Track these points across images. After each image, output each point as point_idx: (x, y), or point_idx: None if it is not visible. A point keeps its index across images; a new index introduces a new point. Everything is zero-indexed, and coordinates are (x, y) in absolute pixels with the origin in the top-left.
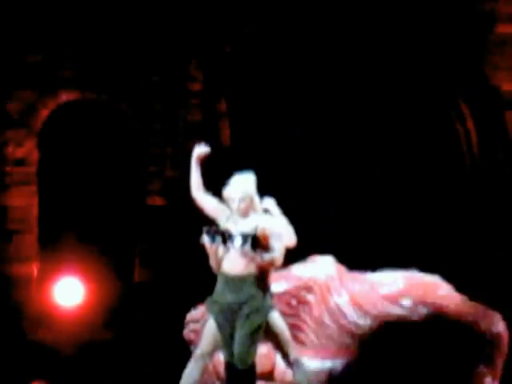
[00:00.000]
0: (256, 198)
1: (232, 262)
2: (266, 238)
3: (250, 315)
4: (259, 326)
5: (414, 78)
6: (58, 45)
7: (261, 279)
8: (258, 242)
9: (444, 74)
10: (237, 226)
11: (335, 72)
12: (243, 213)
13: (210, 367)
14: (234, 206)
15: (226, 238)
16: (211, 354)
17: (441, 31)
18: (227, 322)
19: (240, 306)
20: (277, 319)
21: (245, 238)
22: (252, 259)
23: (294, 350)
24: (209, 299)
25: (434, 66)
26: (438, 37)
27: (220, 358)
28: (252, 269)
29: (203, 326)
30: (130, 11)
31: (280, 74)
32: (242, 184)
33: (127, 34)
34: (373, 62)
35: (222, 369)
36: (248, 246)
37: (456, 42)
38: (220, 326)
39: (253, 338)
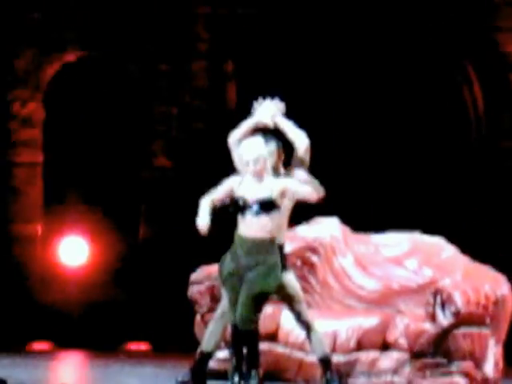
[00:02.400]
0: (269, 161)
1: (247, 225)
2: None
3: (256, 279)
4: (265, 292)
5: (420, 42)
6: (64, 3)
7: (274, 242)
8: (274, 206)
9: (450, 37)
10: (252, 191)
11: (342, 33)
12: (258, 175)
13: None
14: (249, 168)
15: (242, 205)
16: (231, 312)
17: None
18: (236, 284)
19: (250, 268)
20: (291, 280)
21: (261, 204)
22: (268, 223)
23: (307, 312)
24: (222, 260)
25: (440, 30)
26: (443, 1)
27: None
28: (267, 233)
29: (208, 286)
30: None
31: (289, 36)
32: (255, 146)
33: None
34: (380, 26)
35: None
36: (264, 214)
37: (463, 4)
38: (227, 288)
39: (256, 302)
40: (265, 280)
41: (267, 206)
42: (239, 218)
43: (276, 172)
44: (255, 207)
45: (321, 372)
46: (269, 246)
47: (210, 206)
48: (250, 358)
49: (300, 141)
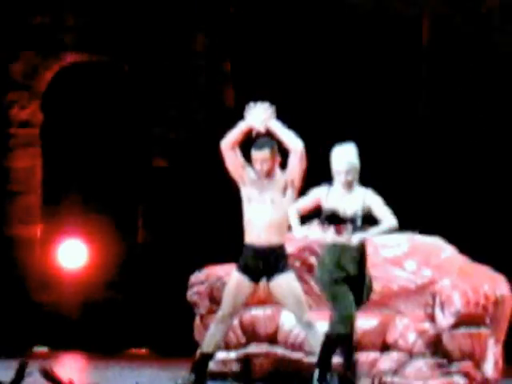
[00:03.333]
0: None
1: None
2: None
3: (365, 287)
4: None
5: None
6: (62, 6)
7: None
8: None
9: None
10: (343, 203)
11: (337, 34)
12: (349, 186)
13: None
14: (340, 178)
15: (337, 217)
16: (232, 315)
17: None
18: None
19: (357, 276)
20: (292, 280)
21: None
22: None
23: (307, 313)
24: (322, 267)
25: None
26: None
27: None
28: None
29: (208, 288)
30: None
31: (285, 36)
32: (347, 155)
33: None
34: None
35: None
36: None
37: None
38: (332, 294)
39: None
40: (370, 289)
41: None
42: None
43: (271, 175)
44: (356, 221)
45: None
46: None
47: (297, 216)
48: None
49: (294, 144)
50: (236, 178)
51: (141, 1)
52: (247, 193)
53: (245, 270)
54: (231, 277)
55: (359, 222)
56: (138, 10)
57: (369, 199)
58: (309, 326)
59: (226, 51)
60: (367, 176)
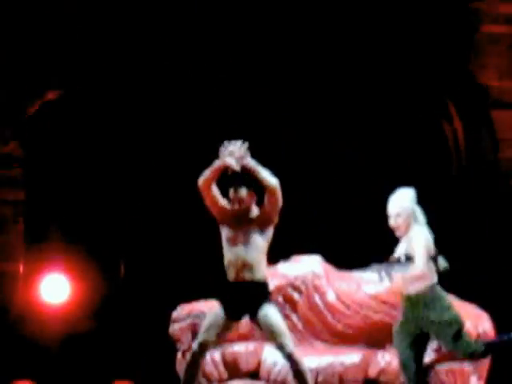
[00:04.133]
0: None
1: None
2: None
3: None
4: None
5: (400, 77)
6: (43, 42)
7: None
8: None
9: (430, 73)
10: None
11: (325, 69)
12: (398, 230)
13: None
14: (390, 222)
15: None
16: (204, 347)
17: (427, 30)
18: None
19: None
20: (275, 312)
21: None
22: None
23: (290, 343)
24: None
25: (421, 65)
26: (424, 36)
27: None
28: None
29: (190, 323)
30: None
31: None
32: (396, 199)
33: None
34: (358, 61)
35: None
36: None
37: (442, 40)
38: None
39: None
40: None
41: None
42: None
43: (248, 214)
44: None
45: None
46: None
47: None
48: None
49: (269, 182)
50: (214, 215)
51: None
52: (224, 233)
53: (225, 306)
54: (213, 309)
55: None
56: (118, 47)
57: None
58: (292, 358)
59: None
60: (350, 212)
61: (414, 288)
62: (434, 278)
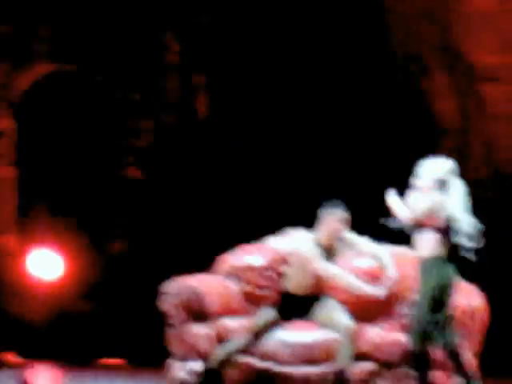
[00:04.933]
0: None
1: None
2: None
3: None
4: None
5: (386, 51)
6: (34, 16)
7: None
8: None
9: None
10: None
11: (308, 44)
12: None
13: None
14: None
15: None
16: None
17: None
18: None
19: None
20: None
21: None
22: None
23: None
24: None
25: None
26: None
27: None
28: None
29: (180, 298)
30: None
31: (258, 47)
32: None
33: (102, 4)
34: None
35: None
36: None
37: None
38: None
39: None
40: None
41: None
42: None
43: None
44: None
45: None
46: None
47: None
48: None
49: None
50: None
51: (114, 12)
52: None
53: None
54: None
55: None
56: (111, 22)
57: None
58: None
59: (200, 62)
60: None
61: (425, 253)
62: (438, 252)
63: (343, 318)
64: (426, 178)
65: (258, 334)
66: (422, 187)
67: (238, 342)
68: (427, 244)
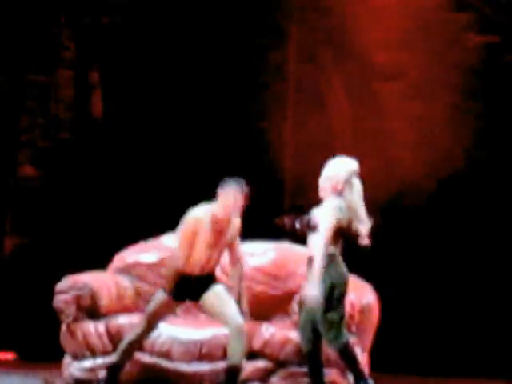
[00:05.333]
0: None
1: None
2: None
3: None
4: None
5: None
6: None
7: None
8: None
9: None
10: None
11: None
12: (323, 194)
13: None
14: None
15: None
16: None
17: None
18: None
19: None
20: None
21: None
22: None
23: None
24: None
25: None
26: None
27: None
28: None
29: (74, 295)
30: None
31: (155, 45)
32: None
33: None
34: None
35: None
36: None
37: None
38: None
39: None
40: None
41: None
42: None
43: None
44: None
45: (224, 379)
46: None
47: None
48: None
49: None
50: None
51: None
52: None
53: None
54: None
55: None
56: (6, 18)
57: None
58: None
59: (95, 60)
60: None
61: (311, 252)
62: (332, 250)
63: (235, 314)
64: (334, 179)
65: (154, 319)
66: (331, 188)
67: (135, 331)
68: (319, 242)
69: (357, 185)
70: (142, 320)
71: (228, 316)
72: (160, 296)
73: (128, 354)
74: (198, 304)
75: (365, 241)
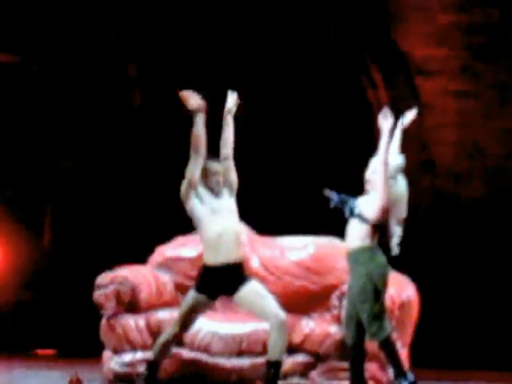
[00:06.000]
0: None
1: None
2: None
3: None
4: None
5: (324, 45)
6: None
7: None
8: None
9: (355, 39)
10: None
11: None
12: (370, 187)
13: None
14: None
15: None
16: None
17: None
18: None
19: None
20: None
21: None
22: None
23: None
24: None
25: (344, 33)
26: (346, 4)
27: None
28: None
29: (114, 289)
30: None
31: (192, 37)
32: None
33: None
34: (280, 28)
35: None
36: None
37: (366, 7)
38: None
39: None
40: None
41: None
42: None
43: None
44: None
45: (264, 374)
46: None
47: None
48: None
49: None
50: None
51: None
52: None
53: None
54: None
55: None
56: (47, 10)
57: None
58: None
59: (133, 53)
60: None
61: (355, 243)
62: (371, 243)
63: (276, 308)
64: (375, 171)
65: (188, 319)
66: (370, 182)
67: (169, 331)
68: (357, 234)
69: (401, 181)
70: (175, 320)
71: (269, 311)
72: (194, 296)
73: (163, 353)
74: (233, 299)
75: (394, 251)
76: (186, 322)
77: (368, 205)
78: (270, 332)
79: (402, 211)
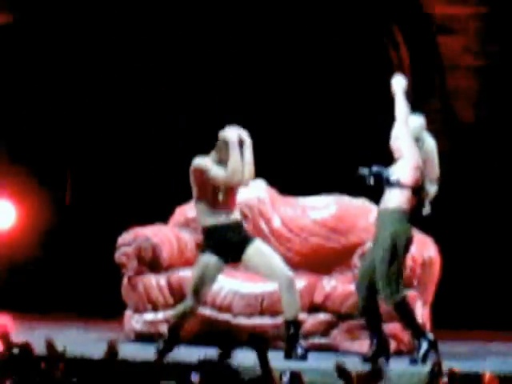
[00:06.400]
0: None
1: None
2: None
3: None
4: None
5: (345, 6)
6: None
7: None
8: None
9: (376, 1)
10: None
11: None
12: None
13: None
14: None
15: None
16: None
17: None
18: None
19: None
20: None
21: None
22: None
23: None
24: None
25: None
26: None
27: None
28: None
29: (135, 249)
30: None
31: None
32: None
33: None
34: None
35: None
36: None
37: None
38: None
39: None
40: None
41: None
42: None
43: None
44: None
45: (284, 333)
46: None
47: None
48: None
49: None
50: None
51: None
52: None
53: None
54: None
55: None
56: None
57: None
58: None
59: None
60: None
61: (384, 204)
62: (404, 206)
63: (282, 267)
64: (397, 137)
65: (201, 287)
66: (395, 150)
67: (184, 304)
68: (396, 199)
69: (428, 139)
70: (188, 292)
71: (276, 271)
72: (199, 260)
73: (180, 325)
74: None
75: (426, 210)
76: (199, 291)
77: (402, 170)
78: (280, 293)
79: (433, 170)
